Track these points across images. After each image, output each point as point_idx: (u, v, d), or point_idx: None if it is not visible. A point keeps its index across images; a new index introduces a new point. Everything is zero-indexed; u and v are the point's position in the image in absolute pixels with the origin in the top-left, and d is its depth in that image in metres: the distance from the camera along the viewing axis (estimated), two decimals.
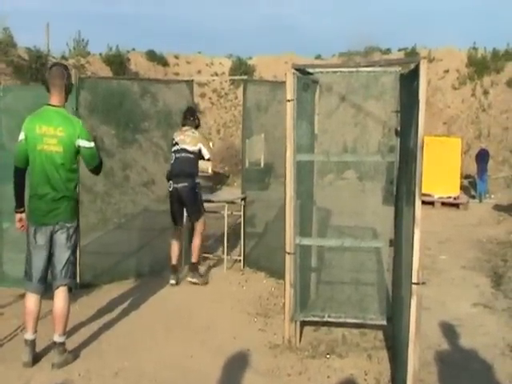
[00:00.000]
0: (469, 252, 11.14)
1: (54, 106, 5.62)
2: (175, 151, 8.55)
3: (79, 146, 5.59)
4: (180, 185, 8.35)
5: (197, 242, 8.60)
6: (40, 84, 14.29)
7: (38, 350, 5.76)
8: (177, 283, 8.39)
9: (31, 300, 5.65)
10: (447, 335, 6.73)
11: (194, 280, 8.43)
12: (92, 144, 5.68)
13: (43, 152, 5.52)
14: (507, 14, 65.04)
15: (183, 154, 8.48)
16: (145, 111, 12.14)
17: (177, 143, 8.56)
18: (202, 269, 9.05)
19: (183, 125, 8.75)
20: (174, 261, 8.49)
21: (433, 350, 6.26)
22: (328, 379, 5.56)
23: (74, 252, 5.76)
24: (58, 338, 5.61)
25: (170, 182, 8.44)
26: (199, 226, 8.62)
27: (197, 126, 8.79)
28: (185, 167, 8.43)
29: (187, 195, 8.39)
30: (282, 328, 6.42)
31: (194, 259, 8.57)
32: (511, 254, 10.67)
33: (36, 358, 5.68)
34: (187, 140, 8.54)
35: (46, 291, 5.77)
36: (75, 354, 5.86)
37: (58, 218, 5.58)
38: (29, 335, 5.60)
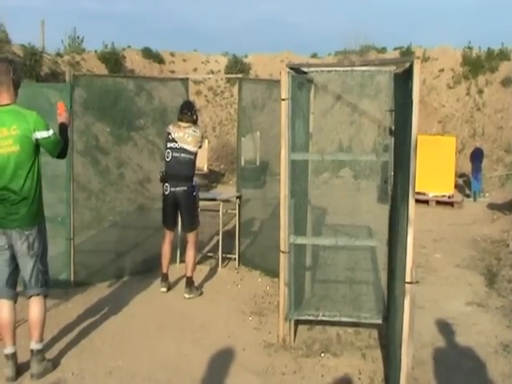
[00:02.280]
0: (463, 250, 11.15)
1: (3, 105, 5.24)
2: (172, 149, 7.83)
3: (37, 139, 5.22)
4: (178, 189, 7.75)
5: (191, 253, 8.04)
6: (35, 81, 14.34)
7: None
8: (168, 290, 8.03)
9: (1, 308, 5.34)
10: (441, 334, 6.75)
11: (191, 296, 7.84)
12: (51, 132, 5.29)
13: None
14: (502, 13, 65.16)
15: (183, 155, 7.78)
16: (140, 109, 12.14)
17: (174, 140, 7.82)
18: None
19: (180, 119, 7.95)
20: (164, 269, 8.06)
21: (426, 348, 6.27)
22: (322, 378, 5.57)
23: (41, 258, 5.41)
24: (34, 345, 5.36)
25: (166, 184, 7.81)
26: (192, 238, 8.05)
27: (194, 122, 8.02)
28: (183, 169, 7.80)
29: (186, 200, 7.84)
30: (276, 327, 6.43)
31: (189, 273, 7.97)
32: (505, 252, 10.68)
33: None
34: (188, 139, 7.83)
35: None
36: (55, 362, 5.64)
37: (15, 223, 5.22)
38: (8, 349, 5.30)
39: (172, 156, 7.83)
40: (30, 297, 5.41)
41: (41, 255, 5.40)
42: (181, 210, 7.96)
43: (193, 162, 7.91)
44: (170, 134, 7.91)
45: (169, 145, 7.89)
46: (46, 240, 5.54)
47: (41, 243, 5.40)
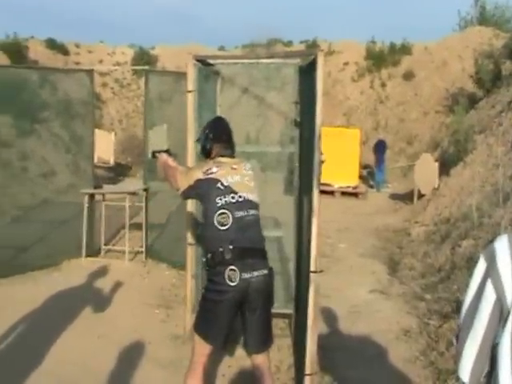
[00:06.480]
0: (367, 240, 11.46)
1: None
2: (230, 206, 4.28)
3: None
4: (256, 274, 4.20)
5: None
6: None
7: None
8: None
9: None
10: (345, 321, 6.92)
11: None
12: None
13: None
14: (403, 9, 67.18)
15: (251, 212, 4.36)
16: (44, 101, 11.84)
17: (231, 190, 4.31)
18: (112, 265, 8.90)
19: (218, 154, 4.55)
20: None
21: (331, 336, 6.43)
22: (229, 368, 5.61)
23: None
24: None
25: (232, 269, 4.14)
26: (267, 361, 4.49)
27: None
28: (257, 238, 4.40)
29: (267, 295, 4.34)
30: (183, 319, 6.43)
31: None
32: (407, 241, 11.04)
33: None
34: (251, 184, 4.46)
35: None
36: None
37: None
38: None
39: (233, 218, 4.26)
40: None
41: None
42: (251, 312, 4.29)
43: (259, 221, 4.50)
44: (218, 180, 4.33)
45: (220, 200, 4.28)
46: None
47: None
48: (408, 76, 24.95)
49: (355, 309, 7.35)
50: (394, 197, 17.27)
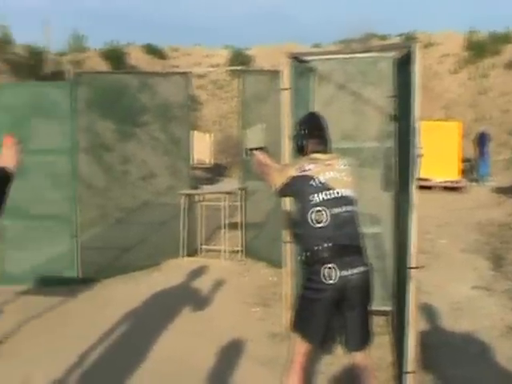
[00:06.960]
0: (468, 235, 11.15)
1: None
2: (326, 202, 4.23)
3: None
4: (356, 271, 4.16)
5: None
6: (37, 81, 14.39)
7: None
8: None
9: None
10: (447, 318, 6.76)
11: None
12: None
13: None
14: None
15: (348, 208, 4.29)
16: (143, 104, 12.13)
17: (327, 186, 4.25)
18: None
19: (314, 150, 4.48)
20: None
21: (433, 333, 6.29)
22: (329, 366, 5.57)
23: None
24: None
25: (330, 266, 4.12)
26: (367, 360, 4.39)
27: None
28: (354, 235, 4.31)
29: (366, 292, 4.28)
30: (281, 317, 6.44)
31: None
32: (511, 235, 10.68)
33: None
34: (349, 179, 4.40)
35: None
36: None
37: None
38: None
39: (330, 215, 4.20)
40: None
41: None
42: (349, 310, 4.25)
43: (357, 217, 4.40)
44: (312, 178, 4.28)
45: (315, 197, 4.24)
46: None
47: None
48: (511, 65, 24.15)
49: (457, 305, 7.17)
50: (498, 190, 16.75)
